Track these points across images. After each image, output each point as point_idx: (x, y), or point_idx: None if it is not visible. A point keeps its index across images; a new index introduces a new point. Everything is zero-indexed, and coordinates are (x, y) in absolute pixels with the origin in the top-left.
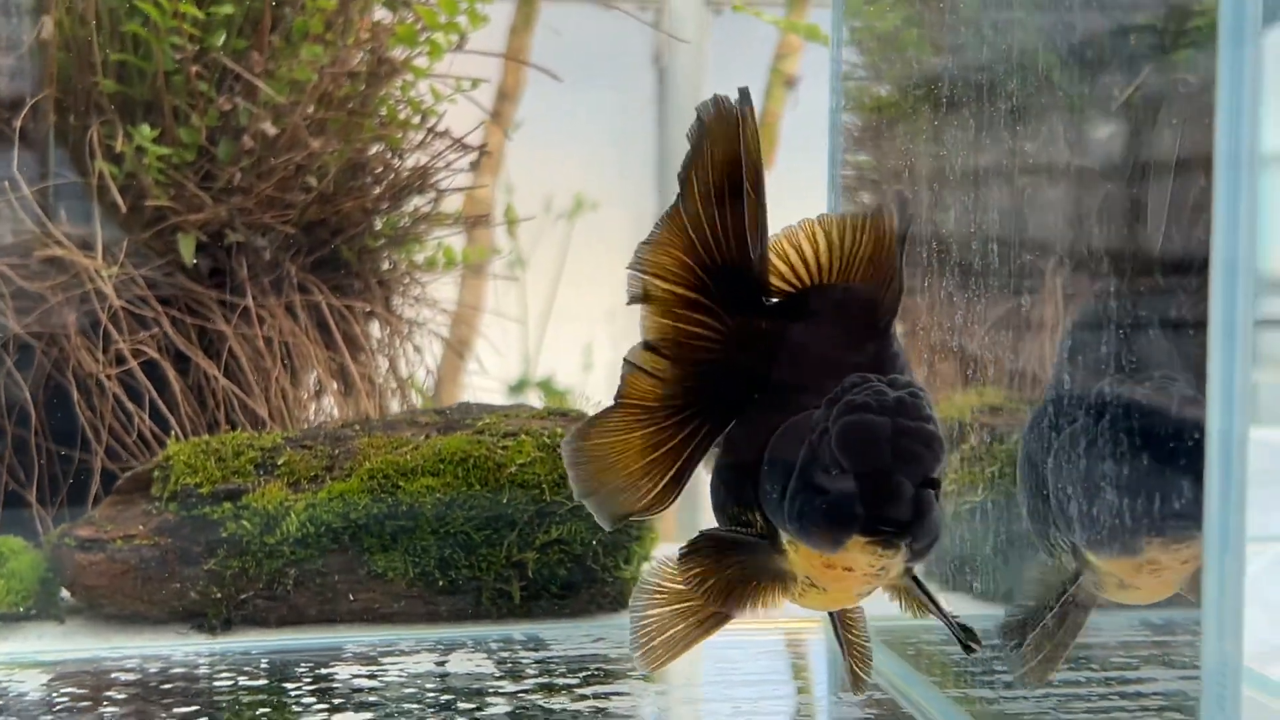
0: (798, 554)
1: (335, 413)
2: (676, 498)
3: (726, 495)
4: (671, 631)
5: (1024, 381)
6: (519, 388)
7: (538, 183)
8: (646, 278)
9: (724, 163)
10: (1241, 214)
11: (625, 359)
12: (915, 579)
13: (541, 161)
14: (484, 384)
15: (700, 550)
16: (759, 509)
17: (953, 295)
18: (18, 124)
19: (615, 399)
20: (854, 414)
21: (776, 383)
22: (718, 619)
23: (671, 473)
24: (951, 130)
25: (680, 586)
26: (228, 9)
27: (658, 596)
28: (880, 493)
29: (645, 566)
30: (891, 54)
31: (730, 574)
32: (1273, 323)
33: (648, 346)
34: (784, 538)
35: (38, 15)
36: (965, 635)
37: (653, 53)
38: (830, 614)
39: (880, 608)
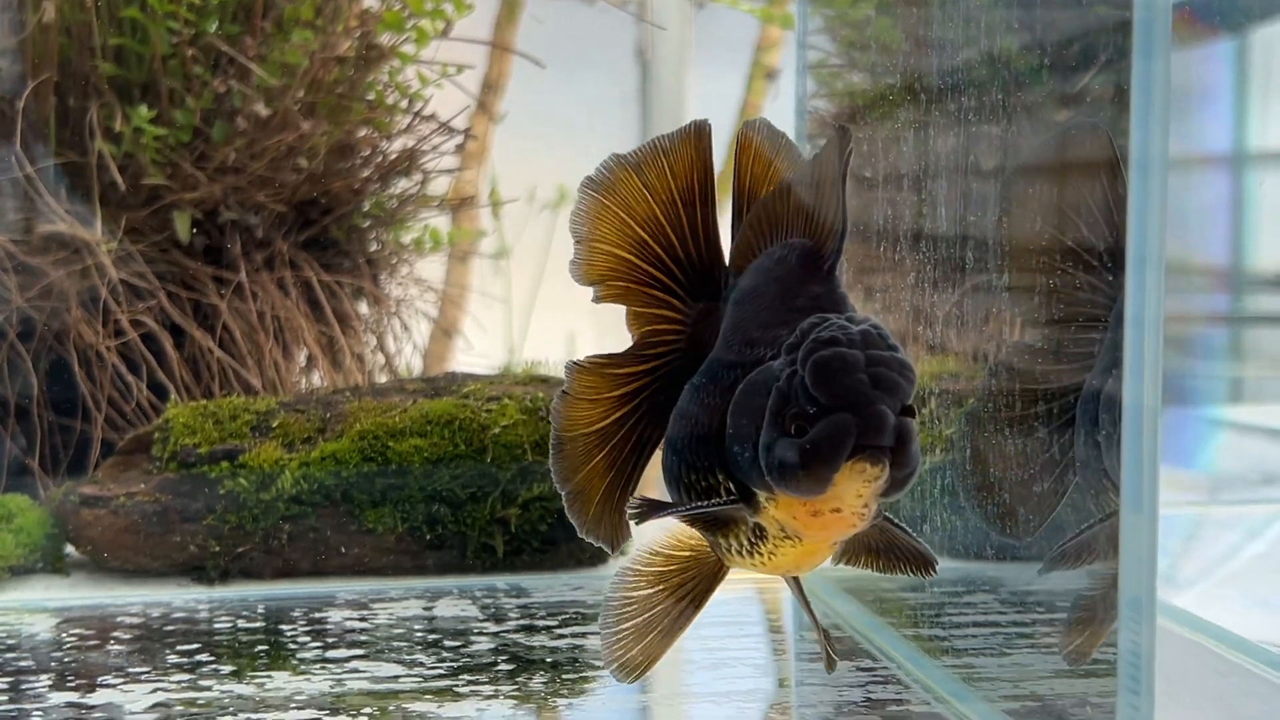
0: (778, 507)
1: (325, 384)
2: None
3: (682, 466)
4: (648, 638)
5: (979, 354)
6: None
7: (522, 173)
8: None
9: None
10: (1152, 212)
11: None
12: (891, 520)
13: (525, 152)
14: (471, 363)
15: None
16: (723, 472)
17: (919, 273)
18: (20, 105)
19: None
20: (825, 349)
21: (725, 343)
22: (686, 615)
23: (625, 482)
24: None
25: (646, 592)
26: None
27: (627, 610)
28: (867, 419)
29: (606, 588)
30: (862, 42)
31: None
32: (1267, 319)
33: (588, 361)
34: (761, 495)
35: (39, 0)
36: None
37: (636, 46)
38: (797, 586)
39: None
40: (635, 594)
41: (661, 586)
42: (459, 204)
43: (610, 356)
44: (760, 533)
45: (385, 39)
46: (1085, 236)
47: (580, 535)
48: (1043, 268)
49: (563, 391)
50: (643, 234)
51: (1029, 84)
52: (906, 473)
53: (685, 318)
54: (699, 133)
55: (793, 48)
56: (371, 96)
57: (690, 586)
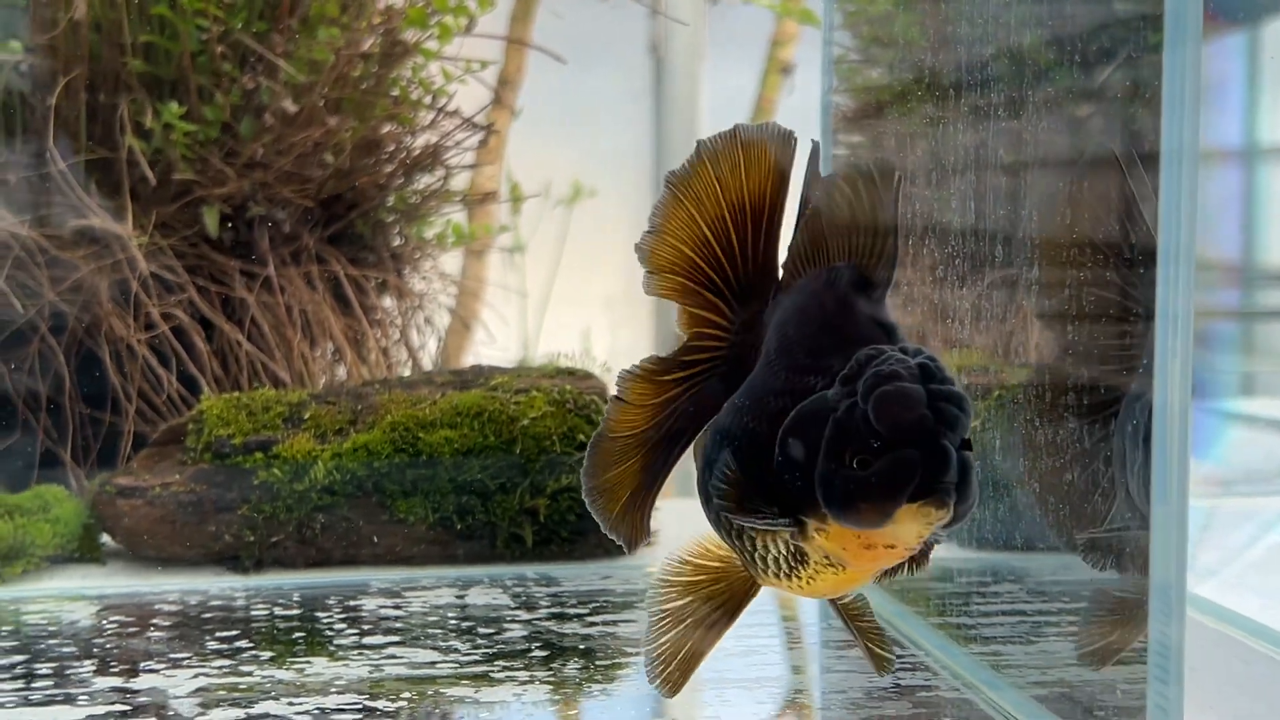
0: (828, 538)
1: (351, 377)
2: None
3: (726, 488)
4: (684, 650)
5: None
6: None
7: (536, 168)
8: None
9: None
10: (1183, 207)
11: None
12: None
13: (540, 148)
14: (490, 356)
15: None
16: (767, 497)
17: (943, 269)
18: (52, 102)
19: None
20: (887, 384)
21: (770, 367)
22: (719, 626)
23: (654, 485)
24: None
25: (678, 603)
26: None
27: (663, 623)
28: (932, 458)
29: (646, 602)
30: (887, 38)
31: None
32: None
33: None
34: (811, 524)
35: None
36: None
37: (649, 42)
38: (833, 605)
39: None
40: (669, 606)
41: (692, 597)
42: (481, 199)
43: (659, 361)
44: (801, 557)
45: (409, 35)
46: (1112, 232)
47: (605, 531)
48: (1070, 262)
49: (616, 397)
50: (707, 232)
51: (1049, 79)
52: (967, 507)
53: (731, 324)
54: (783, 138)
55: (806, 43)
56: (396, 92)
57: (723, 597)
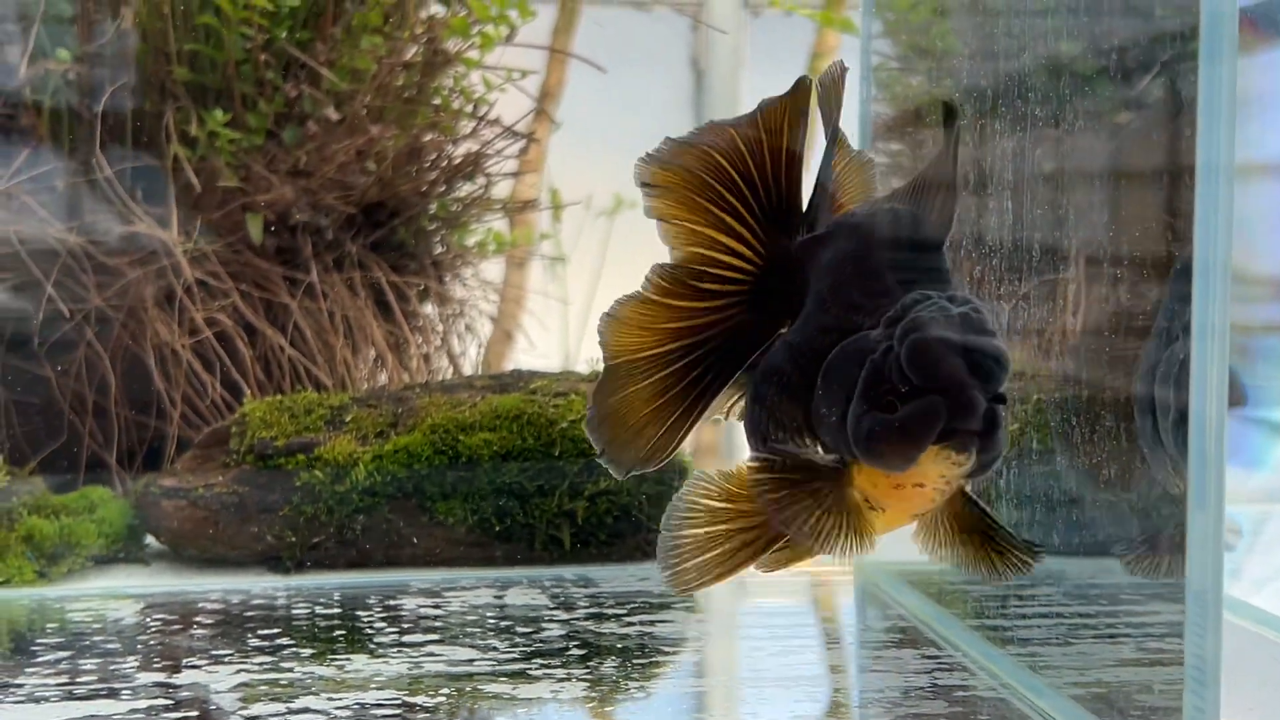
0: (862, 475)
1: (392, 383)
2: (677, 447)
3: (770, 423)
4: (705, 556)
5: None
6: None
7: (577, 178)
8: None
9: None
10: (1219, 220)
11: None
12: (970, 497)
13: (580, 157)
14: (532, 364)
15: (773, 465)
16: (810, 434)
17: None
18: (99, 110)
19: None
20: (923, 330)
21: (823, 305)
22: (754, 549)
23: (672, 421)
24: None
25: (720, 505)
26: (293, 2)
27: (694, 516)
28: (958, 404)
29: (684, 484)
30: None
31: (796, 496)
32: None
33: (665, 279)
34: (849, 461)
35: (118, 8)
36: (1025, 546)
37: (690, 53)
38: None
39: (907, 552)
40: (704, 503)
41: (715, 522)
42: (520, 208)
43: (668, 287)
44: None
45: (451, 44)
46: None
47: (597, 453)
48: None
49: (607, 315)
50: (722, 160)
51: (1088, 90)
52: (992, 457)
53: (759, 256)
54: (797, 87)
55: (846, 54)
56: (437, 101)
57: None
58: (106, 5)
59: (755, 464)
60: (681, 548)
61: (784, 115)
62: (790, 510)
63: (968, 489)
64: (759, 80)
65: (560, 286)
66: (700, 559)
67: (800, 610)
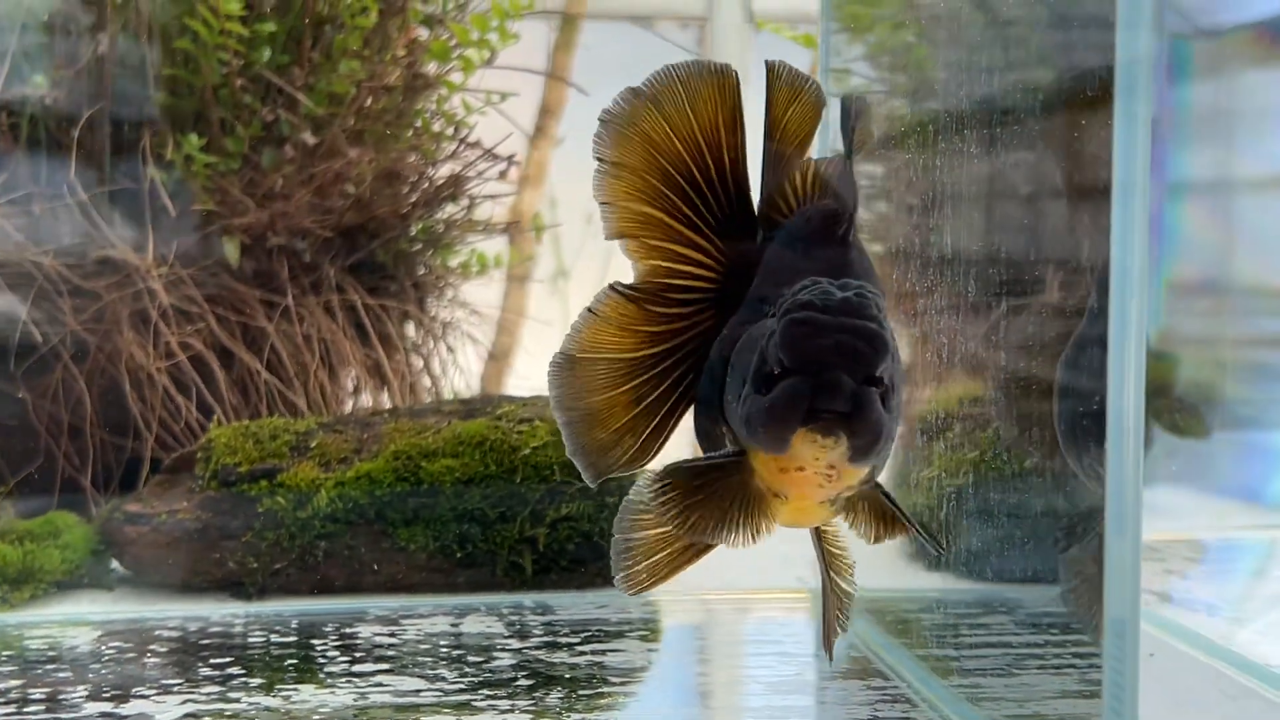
0: (757, 461)
1: (370, 407)
2: (658, 452)
3: (702, 417)
4: (656, 557)
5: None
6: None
7: (579, 196)
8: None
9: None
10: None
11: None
12: (881, 490)
13: (582, 175)
14: (525, 388)
15: (671, 481)
16: (726, 425)
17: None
18: (75, 134)
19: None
20: (797, 312)
21: (747, 303)
22: (700, 546)
23: (653, 426)
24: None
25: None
26: (271, 26)
27: (643, 519)
28: (820, 384)
29: (632, 488)
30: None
31: (703, 501)
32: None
33: (628, 290)
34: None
35: (95, 33)
36: (930, 539)
37: None
38: (816, 546)
39: (869, 579)
40: (643, 516)
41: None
42: (504, 227)
43: (641, 288)
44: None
45: (432, 68)
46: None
47: (570, 455)
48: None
49: (589, 310)
50: (668, 165)
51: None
52: (866, 440)
53: (719, 262)
54: (722, 74)
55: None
56: (418, 124)
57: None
58: (84, 30)
59: (655, 487)
60: (634, 550)
61: (716, 110)
62: (695, 520)
63: (878, 480)
64: (762, 96)
65: (562, 305)
66: (651, 560)
67: (761, 638)
